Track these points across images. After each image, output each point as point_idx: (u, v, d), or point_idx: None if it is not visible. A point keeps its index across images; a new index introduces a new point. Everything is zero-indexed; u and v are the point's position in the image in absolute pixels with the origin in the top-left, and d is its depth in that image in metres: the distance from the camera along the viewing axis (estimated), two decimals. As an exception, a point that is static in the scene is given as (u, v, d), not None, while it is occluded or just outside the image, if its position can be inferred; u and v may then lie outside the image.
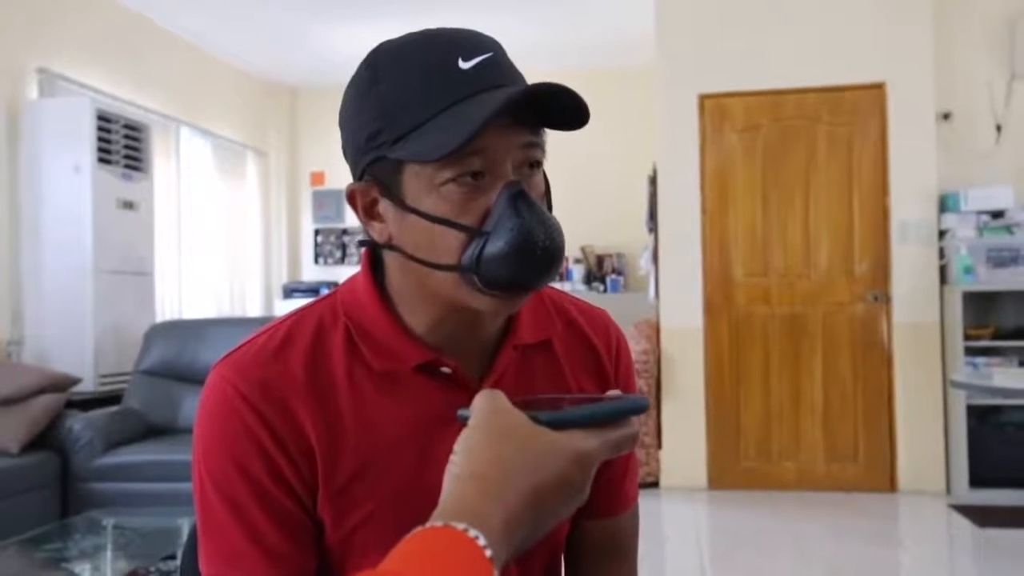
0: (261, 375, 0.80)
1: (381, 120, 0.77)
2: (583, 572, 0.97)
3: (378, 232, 0.82)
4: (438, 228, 0.76)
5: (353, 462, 0.81)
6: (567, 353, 0.92)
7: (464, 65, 0.75)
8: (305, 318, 0.85)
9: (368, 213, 0.82)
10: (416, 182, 0.76)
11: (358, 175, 0.81)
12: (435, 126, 0.74)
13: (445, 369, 0.83)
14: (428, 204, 0.76)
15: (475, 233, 0.75)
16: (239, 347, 0.84)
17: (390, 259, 0.84)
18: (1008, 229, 4.54)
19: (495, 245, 0.74)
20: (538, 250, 0.74)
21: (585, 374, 0.93)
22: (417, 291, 0.82)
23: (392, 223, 0.80)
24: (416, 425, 0.82)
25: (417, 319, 0.83)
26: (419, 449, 0.82)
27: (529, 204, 0.75)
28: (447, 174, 0.74)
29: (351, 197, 0.82)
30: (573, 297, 0.98)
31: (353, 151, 0.81)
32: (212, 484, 0.80)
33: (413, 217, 0.77)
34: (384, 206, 0.80)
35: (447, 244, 0.76)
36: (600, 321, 0.97)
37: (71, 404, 4.05)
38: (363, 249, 0.88)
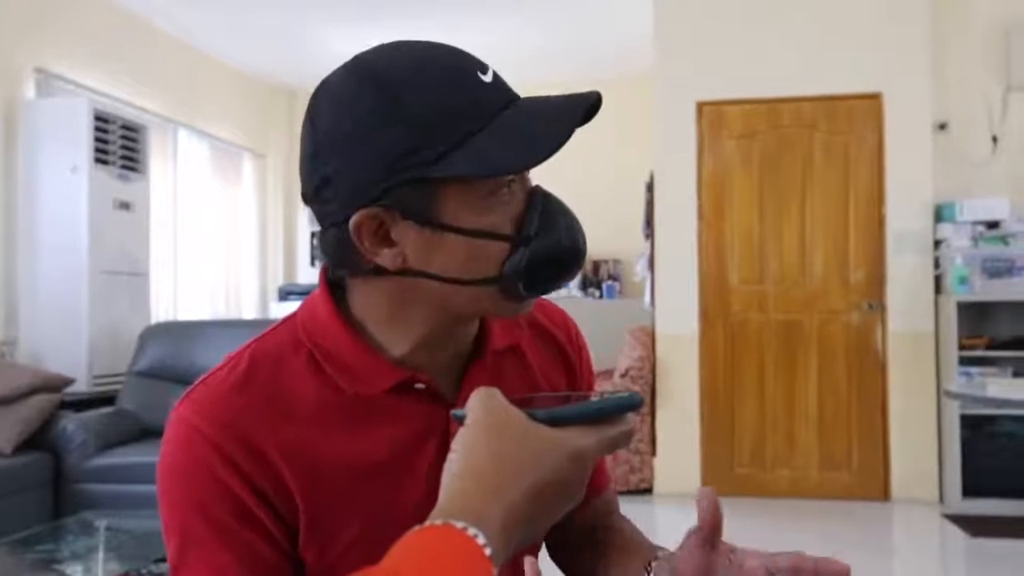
0: (224, 414, 0.77)
1: (415, 139, 0.73)
2: (576, 552, 0.98)
3: (390, 259, 0.77)
4: (479, 242, 0.75)
5: (332, 488, 0.79)
6: (535, 353, 0.93)
7: (485, 78, 0.76)
8: (265, 347, 0.82)
9: (376, 241, 0.77)
10: (454, 199, 0.74)
11: (365, 201, 0.75)
12: (485, 140, 0.73)
13: (419, 385, 0.81)
14: (467, 219, 0.75)
15: (518, 241, 0.76)
16: (199, 383, 0.81)
17: (374, 285, 0.80)
18: (1003, 240, 4.56)
19: (540, 250, 0.76)
20: (581, 247, 0.79)
21: (554, 369, 0.95)
22: (408, 314, 0.80)
23: (413, 246, 0.76)
24: (394, 443, 0.81)
25: (395, 342, 0.81)
26: (399, 466, 0.81)
27: (560, 207, 0.79)
28: (489, 188, 0.75)
29: (358, 228, 0.76)
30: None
31: (359, 177, 0.75)
32: (177, 531, 0.77)
33: (448, 235, 0.75)
34: (402, 230, 0.76)
35: (488, 256, 0.76)
36: (559, 315, 0.99)
37: (65, 405, 4.04)
38: (320, 271, 0.85)
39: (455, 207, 0.74)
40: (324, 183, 0.77)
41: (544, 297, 0.97)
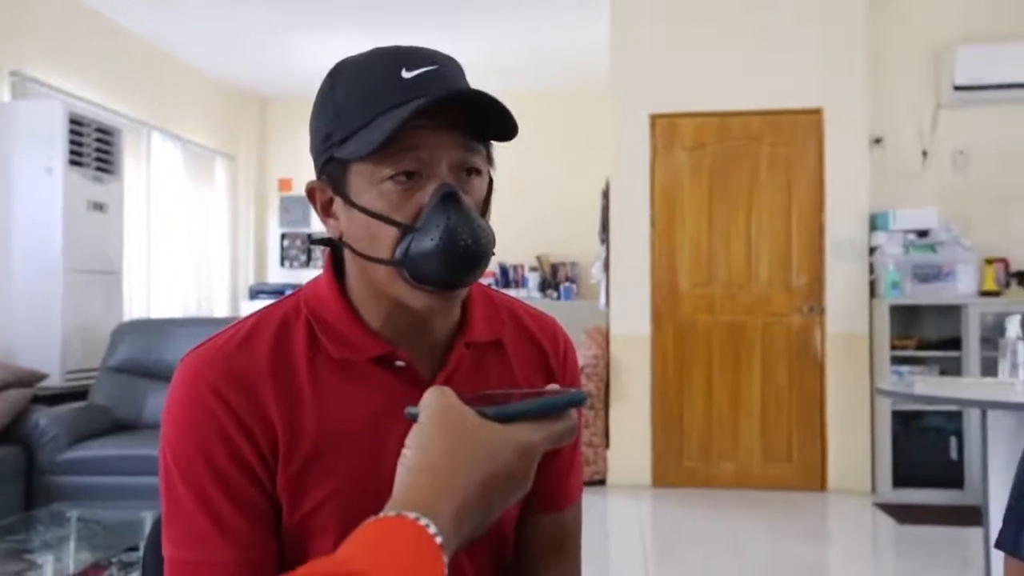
0: (227, 364, 0.83)
1: (333, 123, 0.83)
2: (531, 566, 0.98)
3: (333, 229, 0.87)
4: (376, 223, 0.81)
5: (312, 445, 0.83)
6: (517, 354, 0.96)
7: (407, 75, 0.81)
8: (269, 314, 0.89)
9: (325, 211, 0.87)
10: (359, 180, 0.81)
11: (317, 175, 0.87)
12: (372, 128, 0.79)
13: (399, 363, 0.86)
14: (368, 200, 0.81)
15: (407, 229, 0.80)
16: (206, 341, 0.87)
17: (347, 257, 0.88)
18: (932, 248, 4.75)
19: (422, 242, 0.79)
20: (460, 249, 0.78)
21: (535, 374, 0.96)
22: (369, 287, 0.86)
23: (342, 220, 0.85)
24: (372, 413, 0.85)
25: (372, 314, 0.87)
26: (374, 437, 0.85)
27: (458, 205, 0.79)
28: (386, 172, 0.80)
29: (311, 194, 0.88)
30: (525, 304, 1.02)
31: (314, 153, 0.87)
32: (178, 471, 0.82)
33: (356, 212, 0.82)
34: (337, 204, 0.85)
35: (383, 239, 0.81)
36: (550, 328, 1.01)
37: (37, 399, 4.02)
38: (326, 250, 0.92)
39: (360, 187, 0.82)
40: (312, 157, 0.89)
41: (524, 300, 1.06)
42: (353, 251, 0.85)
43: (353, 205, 0.82)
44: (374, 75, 0.82)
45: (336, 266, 0.91)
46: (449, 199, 0.79)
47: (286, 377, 0.85)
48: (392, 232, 0.81)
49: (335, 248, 0.91)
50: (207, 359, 0.85)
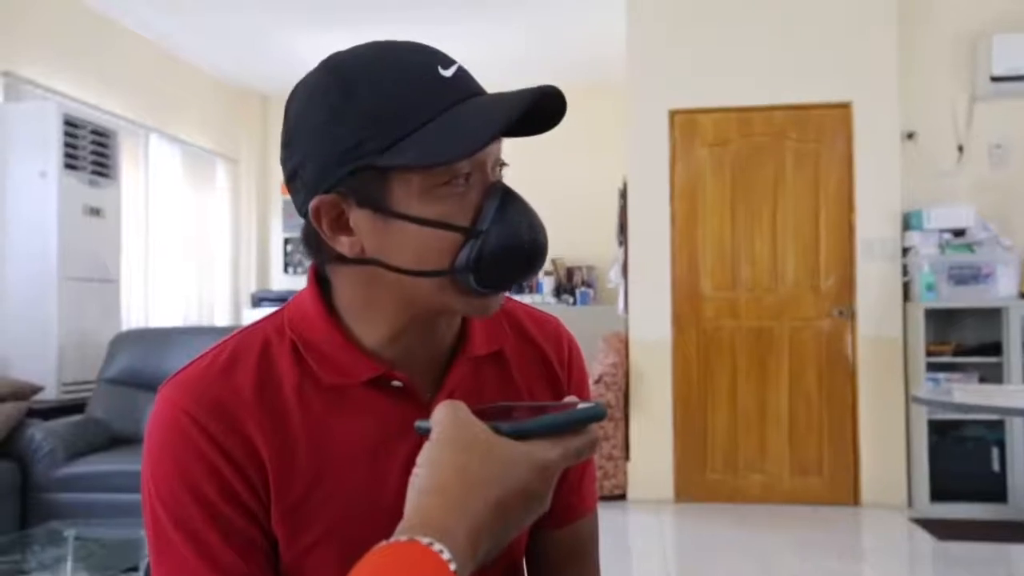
0: (209, 394, 0.80)
1: (366, 130, 0.75)
2: None
3: (348, 246, 0.79)
4: (430, 232, 0.76)
5: (305, 479, 0.80)
6: (519, 363, 0.92)
7: (445, 72, 0.77)
8: (251, 336, 0.85)
9: (336, 228, 0.79)
10: (405, 188, 0.76)
11: (324, 189, 0.78)
12: (433, 131, 0.74)
13: (396, 383, 0.82)
14: (419, 209, 0.76)
15: (472, 233, 0.76)
16: (185, 368, 0.83)
17: (343, 274, 0.83)
18: (969, 247, 4.63)
19: (492, 243, 0.76)
20: (535, 245, 0.78)
21: (538, 383, 0.93)
22: (377, 304, 0.82)
23: (368, 234, 0.78)
24: (367, 440, 0.82)
25: (370, 333, 0.83)
26: (371, 465, 0.82)
27: (519, 202, 0.78)
28: (441, 177, 0.75)
29: (316, 212, 0.79)
30: (524, 305, 0.99)
31: (319, 165, 0.78)
32: (164, 509, 0.78)
33: (400, 224, 0.76)
34: (358, 217, 0.78)
35: (440, 247, 0.76)
36: (552, 329, 0.97)
37: (33, 413, 4.00)
38: (309, 266, 0.88)
39: (406, 196, 0.76)
40: (294, 172, 0.80)
41: (530, 304, 1.02)
42: (387, 267, 0.78)
43: (399, 216, 0.76)
44: (409, 74, 0.77)
45: (320, 280, 0.86)
46: (508, 196, 0.78)
47: (273, 405, 0.81)
48: (453, 239, 0.77)
49: (315, 267, 0.87)
50: (186, 388, 0.80)
